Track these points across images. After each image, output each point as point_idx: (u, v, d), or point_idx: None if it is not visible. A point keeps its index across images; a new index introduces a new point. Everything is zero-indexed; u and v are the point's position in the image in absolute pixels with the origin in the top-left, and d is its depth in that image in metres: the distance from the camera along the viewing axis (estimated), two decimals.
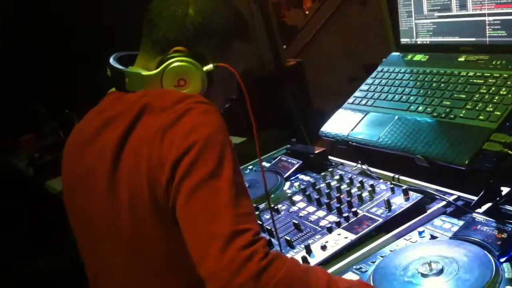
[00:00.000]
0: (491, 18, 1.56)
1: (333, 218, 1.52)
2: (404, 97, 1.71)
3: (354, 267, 1.30)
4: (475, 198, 1.44)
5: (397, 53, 1.91)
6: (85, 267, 1.36)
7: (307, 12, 5.94)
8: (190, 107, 1.15)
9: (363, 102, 1.83)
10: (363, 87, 1.89)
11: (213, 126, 1.13)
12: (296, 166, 1.90)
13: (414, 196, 1.48)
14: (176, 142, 1.10)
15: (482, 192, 1.42)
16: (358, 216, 1.48)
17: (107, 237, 1.24)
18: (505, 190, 1.42)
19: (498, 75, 1.51)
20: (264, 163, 2.08)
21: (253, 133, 1.28)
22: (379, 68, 1.92)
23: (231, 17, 1.33)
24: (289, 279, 1.02)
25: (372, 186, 1.58)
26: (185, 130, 1.11)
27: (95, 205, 1.24)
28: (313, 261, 1.36)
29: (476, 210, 1.39)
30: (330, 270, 1.31)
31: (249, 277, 0.98)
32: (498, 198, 1.40)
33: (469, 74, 1.59)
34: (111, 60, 1.32)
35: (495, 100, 1.45)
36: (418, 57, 1.82)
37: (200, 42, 1.28)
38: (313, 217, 1.56)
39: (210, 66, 1.27)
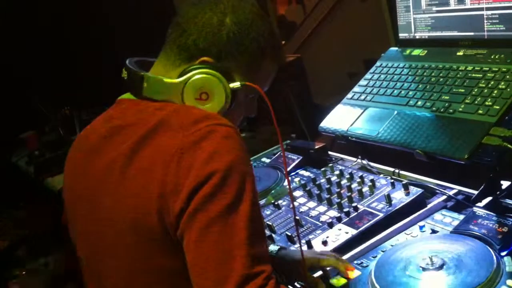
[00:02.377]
0: (489, 12, 1.56)
1: (333, 213, 1.52)
2: (403, 92, 1.71)
3: (355, 262, 1.31)
4: (476, 192, 1.44)
5: (396, 48, 1.91)
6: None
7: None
8: (211, 130, 1.06)
9: (362, 97, 1.83)
10: (362, 82, 1.90)
11: (235, 154, 1.05)
12: (296, 161, 1.90)
13: (415, 191, 1.49)
14: (195, 169, 1.02)
15: (482, 186, 1.42)
16: (358, 211, 1.48)
17: (106, 256, 1.18)
18: (505, 184, 1.42)
19: (496, 69, 1.51)
20: (264, 159, 2.08)
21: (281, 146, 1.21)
22: (378, 63, 1.92)
23: (266, 34, 1.23)
24: None
25: (372, 181, 1.58)
26: (205, 157, 1.03)
27: (98, 220, 1.17)
28: None
29: (477, 204, 1.39)
30: None
31: None
32: (498, 192, 1.40)
33: (467, 69, 1.59)
34: (128, 62, 1.23)
35: (494, 94, 1.45)
36: (417, 51, 1.82)
37: (230, 56, 1.19)
38: (313, 213, 1.56)
39: (237, 84, 1.18)
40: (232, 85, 1.18)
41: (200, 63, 1.17)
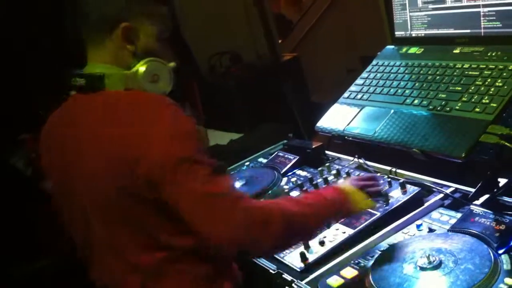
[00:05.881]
0: (486, 9, 1.55)
1: None
2: (399, 90, 1.70)
3: (353, 262, 1.30)
4: (473, 190, 1.43)
5: (392, 46, 1.90)
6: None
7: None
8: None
9: (359, 96, 1.82)
10: (359, 81, 1.89)
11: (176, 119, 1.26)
12: (293, 161, 1.90)
13: (412, 189, 1.48)
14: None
15: (479, 184, 1.42)
16: None
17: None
18: (502, 181, 1.41)
19: (493, 66, 1.51)
20: (261, 159, 2.08)
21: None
22: (374, 62, 1.91)
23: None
24: None
25: None
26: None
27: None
28: (311, 257, 1.35)
29: (474, 202, 1.38)
30: (328, 266, 1.31)
31: None
32: (495, 190, 1.40)
33: (464, 66, 1.58)
34: (77, 73, 1.40)
35: (491, 92, 1.44)
36: (413, 49, 1.82)
37: (132, 10, 1.34)
38: None
39: (173, 64, 1.40)
40: (171, 64, 1.39)
41: (123, 35, 1.31)
